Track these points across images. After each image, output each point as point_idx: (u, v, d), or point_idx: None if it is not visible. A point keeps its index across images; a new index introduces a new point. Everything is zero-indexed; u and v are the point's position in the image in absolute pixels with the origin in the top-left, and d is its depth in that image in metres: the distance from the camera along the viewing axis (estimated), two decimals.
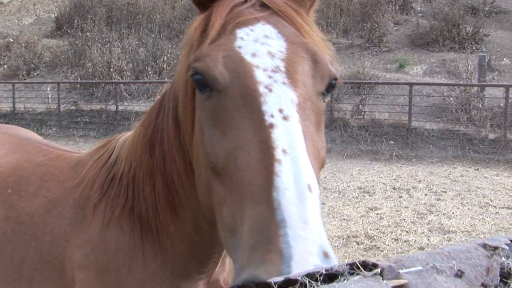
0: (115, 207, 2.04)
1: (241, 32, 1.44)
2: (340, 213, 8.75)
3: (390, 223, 8.17)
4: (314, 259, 1.01)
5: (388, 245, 7.15)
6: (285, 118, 1.27)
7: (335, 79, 1.53)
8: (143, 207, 1.98)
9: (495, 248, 0.60)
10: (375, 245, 7.13)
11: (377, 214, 8.68)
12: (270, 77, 1.35)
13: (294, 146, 1.22)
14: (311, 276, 0.52)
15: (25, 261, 2.27)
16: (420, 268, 0.53)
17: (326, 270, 0.52)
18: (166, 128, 1.85)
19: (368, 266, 0.55)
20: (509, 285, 0.57)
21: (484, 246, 0.61)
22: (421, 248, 7.02)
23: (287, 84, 1.35)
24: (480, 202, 9.32)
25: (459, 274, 0.54)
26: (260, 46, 1.41)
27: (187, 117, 1.64)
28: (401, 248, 7.05)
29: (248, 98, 1.32)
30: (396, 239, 7.40)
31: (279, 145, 1.21)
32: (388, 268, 0.54)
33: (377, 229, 7.86)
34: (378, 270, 0.54)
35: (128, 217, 2.00)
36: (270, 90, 1.32)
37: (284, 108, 1.29)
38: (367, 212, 8.78)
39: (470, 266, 0.55)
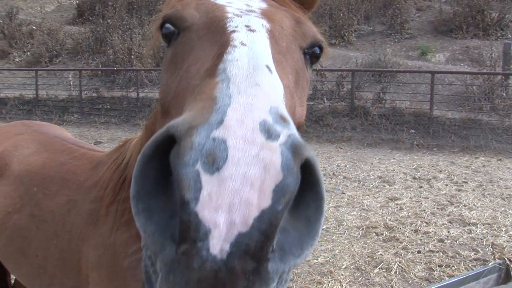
0: (124, 210, 2.05)
1: None
2: (359, 203, 8.71)
3: (410, 214, 8.11)
4: (261, 114, 0.88)
5: (407, 236, 7.11)
6: (251, 30, 1.14)
7: (320, 47, 1.40)
8: None
9: None
10: (394, 237, 7.09)
11: (397, 204, 8.62)
12: (241, 11, 1.24)
13: (253, 42, 1.08)
14: None
15: (48, 258, 2.34)
16: None
17: None
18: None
19: None
20: None
21: None
22: (441, 240, 6.97)
23: (259, 16, 1.24)
24: (503, 194, 9.19)
25: None
26: (238, 1, 1.31)
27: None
28: (421, 240, 7.00)
29: (213, 25, 1.19)
30: (415, 231, 7.35)
31: (237, 38, 1.09)
32: None
33: (397, 220, 7.82)
34: None
35: (134, 222, 2.00)
36: (238, 16, 1.21)
37: (251, 24, 1.17)
38: (387, 203, 8.73)
39: None
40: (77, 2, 28.84)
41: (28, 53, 25.56)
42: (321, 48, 1.41)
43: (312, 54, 1.40)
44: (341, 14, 22.58)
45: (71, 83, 21.40)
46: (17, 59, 25.59)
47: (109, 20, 24.57)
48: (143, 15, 25.10)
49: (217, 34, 1.14)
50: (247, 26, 1.15)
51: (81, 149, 2.71)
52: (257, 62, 1.00)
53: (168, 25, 1.30)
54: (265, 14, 1.27)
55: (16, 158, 2.80)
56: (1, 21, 27.48)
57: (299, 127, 1.27)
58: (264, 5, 1.34)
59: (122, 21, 24.41)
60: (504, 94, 15.31)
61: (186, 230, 0.82)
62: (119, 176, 2.14)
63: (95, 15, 25.77)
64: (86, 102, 20.28)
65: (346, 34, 22.16)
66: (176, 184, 0.85)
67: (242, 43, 1.06)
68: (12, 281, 3.47)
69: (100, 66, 22.75)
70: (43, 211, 2.42)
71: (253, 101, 0.88)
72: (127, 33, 23.14)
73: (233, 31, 1.11)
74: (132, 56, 21.91)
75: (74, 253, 2.21)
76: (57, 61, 24.66)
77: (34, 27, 26.72)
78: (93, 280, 2.09)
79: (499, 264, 4.29)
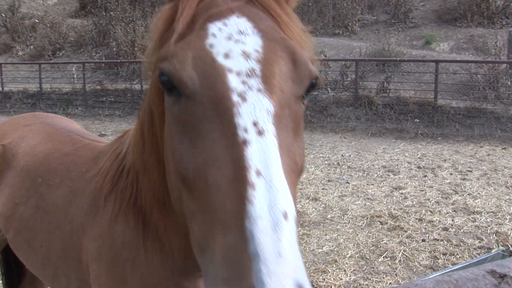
0: (123, 199, 2.03)
1: (213, 27, 1.29)
2: (364, 192, 8.72)
3: (414, 203, 8.12)
4: None
5: (412, 225, 7.12)
6: (259, 133, 1.15)
7: (316, 78, 1.37)
8: (143, 202, 1.95)
9: (504, 276, 0.60)
10: (398, 225, 7.10)
11: (401, 193, 8.63)
12: (244, 82, 1.21)
13: (269, 166, 1.11)
14: None
15: (51, 249, 2.36)
16: None
17: None
18: (145, 123, 1.78)
19: None
20: None
21: (493, 272, 0.60)
22: (445, 229, 6.97)
23: (263, 91, 1.22)
24: (507, 182, 9.18)
25: None
26: (234, 44, 1.26)
27: (158, 117, 1.55)
28: (425, 228, 7.01)
29: (219, 108, 1.18)
30: (420, 219, 7.36)
31: (253, 166, 1.10)
32: None
33: (401, 209, 7.83)
34: None
35: (133, 211, 1.99)
36: (244, 99, 1.19)
37: (259, 120, 1.17)
38: (391, 192, 8.74)
39: None
40: None
41: (31, 47, 25.58)
42: (316, 78, 1.37)
43: (308, 89, 1.37)
44: (345, 4, 22.47)
45: (75, 76, 21.42)
46: (20, 53, 25.61)
47: (111, 13, 24.54)
48: (146, 7, 25.06)
49: (226, 130, 1.15)
50: (254, 124, 1.16)
51: (85, 140, 2.71)
52: (277, 217, 1.04)
53: (166, 79, 1.26)
54: (264, 73, 1.25)
55: (22, 149, 2.82)
56: (3, 15, 27.48)
57: (302, 172, 1.32)
58: (259, 43, 1.30)
59: (124, 13, 24.38)
60: (509, 83, 15.23)
61: None
62: (118, 166, 2.13)
63: (98, 8, 25.73)
64: (90, 95, 20.30)
65: (350, 24, 22.07)
66: None
67: (258, 173, 1.09)
68: None
69: (104, 58, 22.74)
70: (47, 202, 2.43)
71: (282, 284, 0.97)
72: (130, 25, 23.11)
73: (245, 142, 1.13)
74: (136, 48, 21.88)
75: (75, 244, 2.22)
76: (60, 54, 24.67)
77: (36, 20, 26.71)
78: (93, 271, 2.10)
79: (502, 251, 4.30)
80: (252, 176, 1.08)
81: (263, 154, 1.12)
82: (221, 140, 1.15)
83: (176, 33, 1.31)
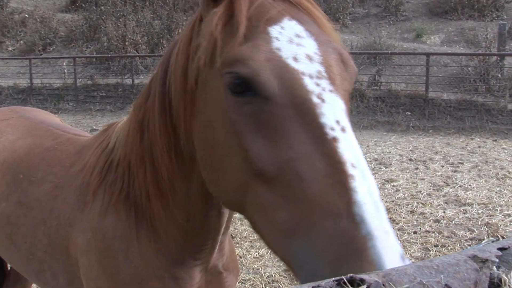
0: (112, 193, 2.05)
1: (273, 31, 1.37)
2: None
3: (406, 195, 8.16)
4: (399, 264, 1.09)
5: (403, 217, 7.15)
6: (343, 130, 1.26)
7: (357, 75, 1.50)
8: (138, 194, 1.97)
9: (485, 260, 0.60)
10: (390, 218, 7.13)
11: (393, 186, 8.66)
12: (317, 84, 1.30)
13: (359, 159, 1.23)
14: None
15: (36, 244, 2.35)
16: (407, 286, 0.53)
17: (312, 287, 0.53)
18: (152, 113, 1.81)
19: (355, 282, 0.56)
20: None
21: (474, 257, 0.60)
22: (437, 221, 7.02)
23: (334, 92, 1.32)
24: (498, 174, 9.24)
25: None
26: (297, 48, 1.35)
27: (186, 113, 1.61)
28: (417, 220, 7.05)
29: (302, 109, 1.27)
30: (412, 212, 7.40)
31: (348, 159, 1.21)
32: (374, 284, 0.54)
33: (393, 201, 7.86)
34: (365, 286, 0.54)
35: (124, 204, 2.01)
36: (323, 100, 1.28)
37: (339, 119, 1.27)
38: (383, 184, 8.77)
39: (458, 280, 0.55)
40: None
41: (21, 42, 25.39)
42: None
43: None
44: None
45: (66, 71, 21.30)
46: (10, 48, 25.42)
47: (102, 7, 24.38)
48: (137, 1, 24.92)
49: (313, 129, 1.25)
50: (337, 123, 1.26)
51: (66, 134, 2.69)
52: (376, 201, 1.18)
53: (240, 81, 1.31)
54: (329, 75, 1.34)
55: (1, 145, 2.78)
56: None
57: None
58: (315, 46, 1.38)
59: (115, 8, 24.23)
60: (499, 75, 15.29)
61: None
62: (105, 160, 2.14)
63: (88, 2, 25.55)
64: (81, 90, 20.20)
65: (341, 17, 22.06)
66: None
67: (353, 166, 1.21)
68: (9, 268, 3.49)
69: (95, 53, 22.63)
70: (30, 198, 2.42)
71: (394, 256, 1.11)
72: (120, 20, 22.97)
73: (335, 140, 1.23)
74: (127, 43, 21.78)
75: (62, 239, 2.22)
76: (51, 49, 24.51)
77: (26, 15, 26.51)
78: (83, 264, 2.10)
79: (492, 241, 4.32)
80: (350, 169, 1.19)
81: (351, 149, 1.23)
82: (309, 138, 1.24)
83: (239, 37, 1.36)
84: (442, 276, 0.55)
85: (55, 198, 2.29)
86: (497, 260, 0.61)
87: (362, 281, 0.56)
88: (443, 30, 20.32)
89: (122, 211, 2.02)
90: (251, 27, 1.38)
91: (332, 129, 1.24)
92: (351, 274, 0.58)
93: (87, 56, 22.41)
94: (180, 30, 21.60)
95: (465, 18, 20.74)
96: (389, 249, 1.12)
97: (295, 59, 1.32)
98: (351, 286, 0.55)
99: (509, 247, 0.66)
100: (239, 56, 1.32)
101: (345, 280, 0.56)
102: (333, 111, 1.27)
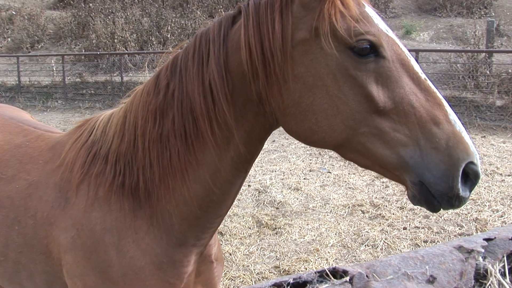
0: (99, 185, 2.04)
1: (370, 11, 1.83)
2: (345, 181, 8.76)
3: (395, 191, 8.17)
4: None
5: (393, 213, 7.17)
6: (422, 73, 1.79)
7: None
8: (140, 179, 1.99)
9: (471, 251, 0.59)
10: (380, 214, 7.15)
11: (383, 182, 8.68)
12: (403, 47, 1.83)
13: (438, 92, 1.77)
14: (278, 285, 0.52)
15: (9, 245, 2.28)
16: (391, 277, 0.52)
17: (293, 279, 0.52)
18: (186, 90, 1.94)
19: (338, 273, 0.54)
20: (484, 287, 0.56)
21: (460, 248, 0.59)
22: (426, 217, 7.04)
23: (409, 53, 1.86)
24: (486, 170, 9.29)
25: (431, 280, 0.53)
26: (382, 22, 1.83)
27: (284, 71, 1.83)
28: (406, 216, 7.07)
29: (403, 63, 1.76)
30: (401, 208, 7.42)
31: (435, 90, 1.75)
32: (358, 275, 0.53)
33: (383, 197, 7.88)
34: (348, 278, 0.53)
35: (116, 194, 2.01)
36: (410, 57, 1.81)
37: (420, 69, 1.80)
38: (372, 181, 8.78)
39: (443, 271, 0.54)
40: None
41: (9, 39, 25.15)
42: None
43: None
44: None
45: (54, 69, 21.12)
46: None
47: (91, 4, 24.24)
48: None
49: (412, 75, 1.76)
50: (420, 70, 1.80)
51: (38, 131, 2.63)
52: (457, 118, 1.75)
53: (367, 45, 1.75)
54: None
55: None
56: None
57: None
58: (384, 23, 1.88)
59: (104, 5, 24.09)
60: (488, 72, 15.37)
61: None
62: (87, 153, 2.12)
63: None
64: (69, 87, 20.05)
65: None
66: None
67: (438, 93, 1.76)
68: None
69: (83, 51, 22.47)
70: (0, 196, 2.35)
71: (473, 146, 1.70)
72: (109, 17, 22.85)
73: (425, 79, 1.77)
74: (115, 40, 21.66)
75: (41, 238, 2.17)
76: (39, 46, 24.31)
77: (13, 12, 26.25)
78: (67, 262, 2.07)
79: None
80: (439, 96, 1.74)
81: (433, 84, 1.79)
82: (412, 80, 1.75)
83: (356, 15, 1.78)
84: (427, 267, 0.54)
85: (30, 196, 2.24)
86: (483, 251, 0.60)
87: (345, 272, 0.54)
88: (432, 27, 20.40)
89: (113, 202, 2.00)
90: (356, 9, 1.81)
91: (421, 73, 1.77)
92: (333, 266, 0.57)
93: (75, 53, 22.25)
94: (169, 27, 21.52)
95: (453, 15, 20.86)
96: (471, 140, 1.70)
97: (387, 30, 1.81)
98: (334, 278, 0.54)
99: (494, 237, 0.65)
100: (368, 30, 1.75)
101: (328, 272, 0.55)
102: (416, 63, 1.80)
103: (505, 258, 0.59)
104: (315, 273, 0.57)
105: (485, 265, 0.56)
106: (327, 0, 1.78)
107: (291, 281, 0.50)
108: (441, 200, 1.66)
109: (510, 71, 14.70)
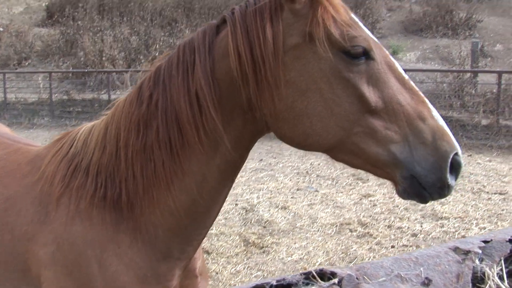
0: (80, 198, 1.99)
1: (356, 18, 1.93)
2: (333, 200, 8.73)
3: (383, 210, 8.16)
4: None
5: (381, 232, 7.14)
6: (405, 74, 1.91)
7: None
8: (123, 191, 1.96)
9: (467, 252, 0.56)
10: (368, 232, 7.12)
11: (370, 201, 8.67)
12: (385, 50, 1.95)
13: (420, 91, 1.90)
14: (260, 287, 0.48)
15: None
16: (383, 279, 0.49)
17: (277, 281, 0.48)
18: (171, 99, 1.93)
19: (326, 275, 0.51)
20: None
21: (456, 249, 0.57)
22: (414, 235, 7.02)
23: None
24: (473, 188, 9.33)
25: (426, 283, 0.51)
26: (366, 29, 1.93)
27: (276, 77, 1.86)
28: (394, 235, 7.05)
29: (389, 65, 1.87)
30: (389, 226, 7.39)
31: (418, 89, 1.87)
32: (347, 277, 0.50)
33: (371, 216, 7.86)
34: (336, 280, 0.50)
35: (97, 207, 1.97)
36: (393, 59, 1.92)
37: (402, 69, 1.92)
38: (360, 199, 8.77)
39: (439, 273, 0.52)
40: (46, 3, 28.32)
41: None
42: None
43: None
44: None
45: (41, 86, 20.99)
46: None
47: (79, 22, 24.20)
48: (114, 16, 24.83)
49: (397, 76, 1.87)
50: (404, 72, 1.93)
51: (16, 144, 2.58)
52: (438, 113, 1.88)
53: (361, 49, 1.83)
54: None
55: None
56: None
57: None
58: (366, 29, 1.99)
59: (92, 23, 24.08)
60: (473, 92, 15.56)
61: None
62: (67, 166, 2.08)
63: (65, 17, 25.29)
64: (56, 105, 19.91)
65: None
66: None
67: (420, 92, 1.91)
68: None
69: (71, 68, 22.39)
70: None
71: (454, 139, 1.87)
72: (98, 35, 22.84)
73: (408, 80, 1.89)
74: (103, 58, 21.64)
75: (19, 254, 2.10)
76: (26, 63, 24.19)
77: (1, 29, 26.15)
78: (47, 278, 2.00)
79: None
80: (422, 94, 1.86)
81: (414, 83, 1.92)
82: (397, 80, 1.85)
83: (346, 21, 1.87)
84: (421, 268, 0.52)
85: (7, 211, 2.17)
86: (480, 252, 0.58)
87: (333, 274, 0.51)
88: (418, 47, 20.68)
89: (95, 215, 1.96)
90: (346, 15, 1.91)
91: (404, 74, 1.89)
92: (321, 267, 0.54)
93: (63, 71, 22.17)
94: (157, 46, 21.55)
95: (439, 36, 21.20)
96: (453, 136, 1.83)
97: (371, 36, 1.90)
98: (321, 280, 0.50)
99: (491, 240, 0.63)
100: (360, 34, 1.85)
101: (314, 273, 0.51)
102: (399, 65, 1.93)
103: (502, 261, 0.56)
104: (301, 274, 0.54)
105: (483, 268, 0.54)
106: (320, 6, 1.84)
107: (274, 283, 0.47)
108: (432, 191, 1.78)
109: (494, 91, 14.89)
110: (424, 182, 1.77)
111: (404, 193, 1.85)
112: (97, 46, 21.96)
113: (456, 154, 1.78)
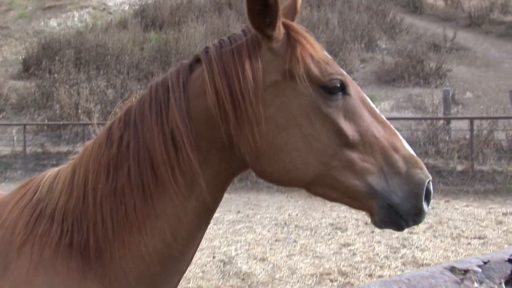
0: (44, 246, 1.87)
1: (329, 56, 1.99)
2: (312, 250, 8.60)
3: (363, 258, 8.06)
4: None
5: (362, 281, 7.02)
6: (377, 108, 2.00)
7: None
8: (91, 237, 1.86)
9: (466, 271, 0.50)
10: (349, 282, 6.99)
11: (350, 250, 8.56)
12: (357, 86, 2.02)
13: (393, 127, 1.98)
14: None
15: None
16: None
17: None
18: (144, 140, 1.89)
19: None
20: None
21: (452, 269, 0.51)
22: None
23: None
24: (452, 233, 9.32)
25: None
26: (338, 66, 1.99)
27: (256, 113, 1.86)
28: None
29: (363, 100, 1.95)
30: (370, 275, 7.28)
31: (389, 122, 1.94)
32: None
33: (351, 265, 7.74)
34: None
35: (63, 254, 1.85)
36: (365, 95, 2.00)
37: (373, 104, 2.01)
38: (340, 249, 8.66)
39: None
40: (23, 56, 28.29)
41: None
42: None
43: None
44: None
45: (15, 139, 20.69)
46: None
47: (55, 75, 24.16)
48: (91, 69, 24.86)
49: (371, 110, 1.94)
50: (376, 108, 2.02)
51: None
52: (409, 147, 1.96)
53: (339, 85, 1.90)
54: None
55: None
56: None
57: None
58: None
59: (69, 76, 24.07)
60: (447, 138, 15.85)
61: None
62: (31, 212, 1.97)
63: (42, 70, 25.24)
64: (30, 158, 19.59)
65: None
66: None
67: (394, 129, 1.98)
68: None
69: (46, 121, 22.20)
70: None
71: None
72: (74, 88, 22.80)
73: (380, 114, 1.96)
74: (79, 111, 21.53)
75: None
76: (1, 116, 23.91)
77: None
78: None
79: None
80: (393, 127, 1.93)
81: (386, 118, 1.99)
82: (371, 114, 1.92)
83: (323, 58, 1.94)
84: None
85: None
86: (480, 270, 0.52)
87: None
88: (392, 96, 21.12)
89: (60, 264, 1.84)
90: (322, 52, 1.98)
91: (376, 108, 1.98)
92: None
93: (38, 123, 21.95)
94: (134, 99, 21.52)
95: (412, 85, 21.73)
96: (422, 165, 1.90)
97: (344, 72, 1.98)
98: None
99: (488, 260, 0.56)
100: (337, 70, 1.93)
101: None
102: (370, 99, 2.00)
103: (503, 283, 0.50)
104: None
105: None
106: (298, 44, 1.90)
107: None
108: (407, 219, 1.83)
109: (467, 137, 15.17)
110: (401, 210, 1.81)
111: (382, 223, 1.87)
112: (73, 99, 21.90)
113: (429, 182, 1.85)
